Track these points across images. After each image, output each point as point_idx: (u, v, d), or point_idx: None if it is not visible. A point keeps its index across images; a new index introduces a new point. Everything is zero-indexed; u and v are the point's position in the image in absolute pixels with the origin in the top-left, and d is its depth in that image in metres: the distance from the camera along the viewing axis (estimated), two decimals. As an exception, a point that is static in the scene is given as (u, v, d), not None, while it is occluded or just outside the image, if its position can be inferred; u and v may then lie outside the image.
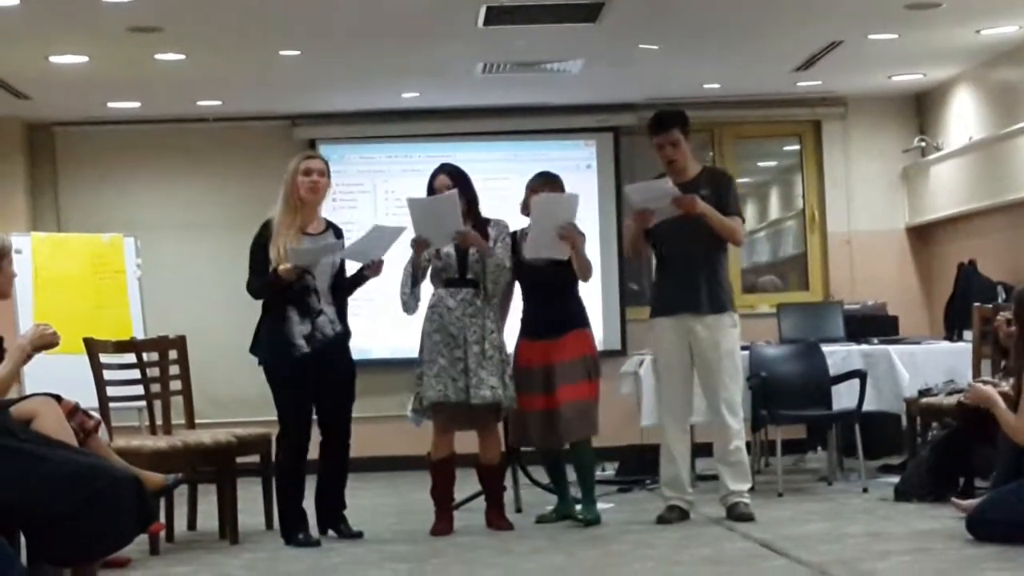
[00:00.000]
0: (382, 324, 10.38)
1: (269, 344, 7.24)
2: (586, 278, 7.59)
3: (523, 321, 7.74)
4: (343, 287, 7.46)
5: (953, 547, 6.25)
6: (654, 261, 7.88)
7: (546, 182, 7.72)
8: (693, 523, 7.47)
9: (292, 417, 7.25)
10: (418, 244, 7.42)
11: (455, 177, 7.52)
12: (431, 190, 7.54)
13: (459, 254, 7.47)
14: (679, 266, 7.51)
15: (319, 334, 7.25)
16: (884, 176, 11.91)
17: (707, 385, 7.49)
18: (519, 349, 7.67)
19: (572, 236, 7.44)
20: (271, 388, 7.29)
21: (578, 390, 7.49)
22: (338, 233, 7.50)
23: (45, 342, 5.82)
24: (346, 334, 7.39)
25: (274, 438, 7.42)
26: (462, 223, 7.38)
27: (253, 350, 7.36)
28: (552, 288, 7.59)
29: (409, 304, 7.53)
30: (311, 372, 7.19)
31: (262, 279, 7.25)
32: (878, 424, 9.58)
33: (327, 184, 7.41)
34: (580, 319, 7.67)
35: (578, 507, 7.68)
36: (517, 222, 7.72)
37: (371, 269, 7.39)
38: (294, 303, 7.22)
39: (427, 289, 7.62)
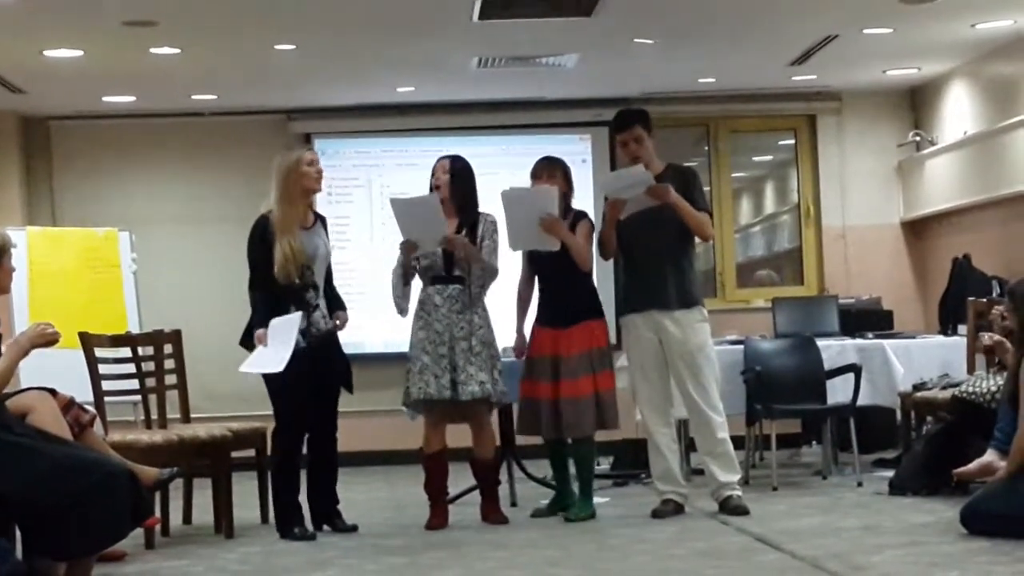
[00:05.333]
0: (375, 318, 10.38)
1: None
2: (585, 267, 7.54)
3: (538, 307, 7.74)
4: (331, 283, 7.48)
5: (947, 540, 6.26)
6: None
7: (545, 167, 7.69)
8: (688, 517, 7.47)
9: (289, 411, 7.24)
10: (407, 246, 7.43)
11: (455, 167, 7.53)
12: (434, 175, 7.55)
13: (445, 252, 7.46)
14: (647, 262, 7.50)
15: (314, 329, 7.25)
16: (879, 170, 11.93)
17: (682, 381, 7.49)
18: (532, 335, 7.68)
19: (554, 228, 7.43)
20: (266, 383, 7.27)
21: (580, 386, 7.45)
22: (323, 222, 7.50)
23: (45, 340, 5.80)
24: (335, 328, 7.40)
25: (269, 432, 7.42)
26: (445, 226, 7.37)
27: (244, 343, 7.35)
28: (561, 276, 7.56)
29: (402, 307, 7.55)
30: (307, 366, 7.18)
31: (256, 307, 7.22)
32: (873, 418, 9.60)
33: None
34: (591, 309, 7.62)
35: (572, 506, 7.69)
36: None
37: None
38: (294, 299, 7.22)
39: (415, 286, 7.61)
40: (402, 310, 7.54)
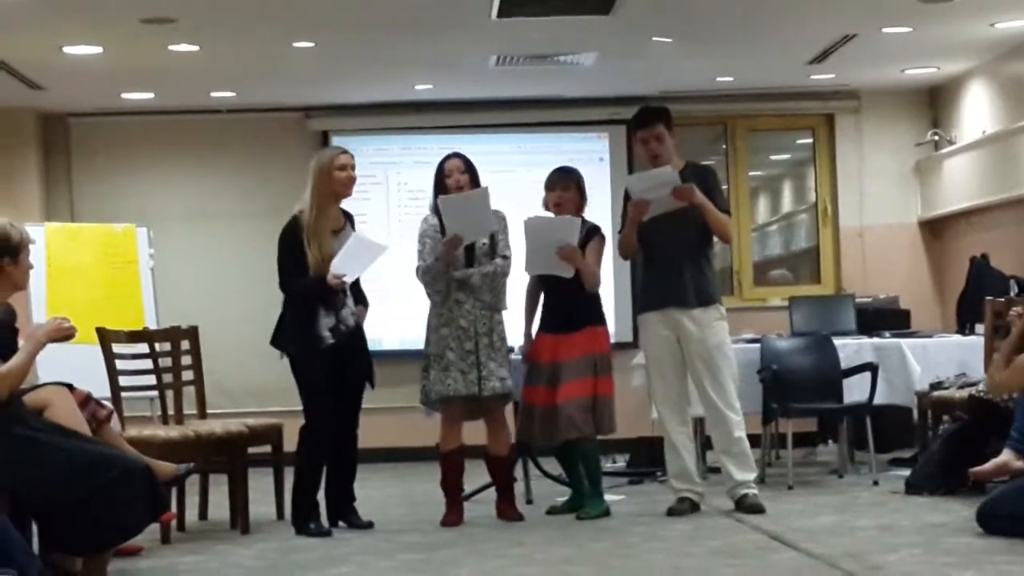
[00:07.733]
0: (392, 315, 10.40)
1: (296, 338, 7.22)
2: (593, 291, 7.58)
3: (542, 313, 7.75)
4: (358, 280, 7.46)
5: (963, 540, 6.25)
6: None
7: (560, 179, 7.69)
8: (703, 515, 7.47)
9: (320, 410, 7.22)
10: (452, 243, 7.39)
11: (470, 166, 7.53)
12: (440, 171, 7.51)
13: (467, 249, 7.46)
14: (665, 260, 7.50)
15: (343, 326, 7.24)
16: (897, 170, 11.91)
17: (699, 380, 7.48)
18: (535, 341, 7.69)
19: (571, 258, 7.46)
20: (297, 381, 7.27)
21: (581, 387, 7.45)
22: (351, 221, 7.50)
23: (62, 335, 5.81)
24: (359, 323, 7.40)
25: (286, 429, 7.40)
26: (493, 219, 7.40)
27: (275, 342, 7.34)
28: (567, 283, 7.56)
29: (439, 300, 7.53)
30: (335, 364, 7.18)
31: (300, 281, 7.17)
32: (889, 417, 9.58)
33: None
34: (593, 316, 7.63)
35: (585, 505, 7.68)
36: (527, 214, 7.71)
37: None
38: (322, 298, 7.20)
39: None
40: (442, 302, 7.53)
